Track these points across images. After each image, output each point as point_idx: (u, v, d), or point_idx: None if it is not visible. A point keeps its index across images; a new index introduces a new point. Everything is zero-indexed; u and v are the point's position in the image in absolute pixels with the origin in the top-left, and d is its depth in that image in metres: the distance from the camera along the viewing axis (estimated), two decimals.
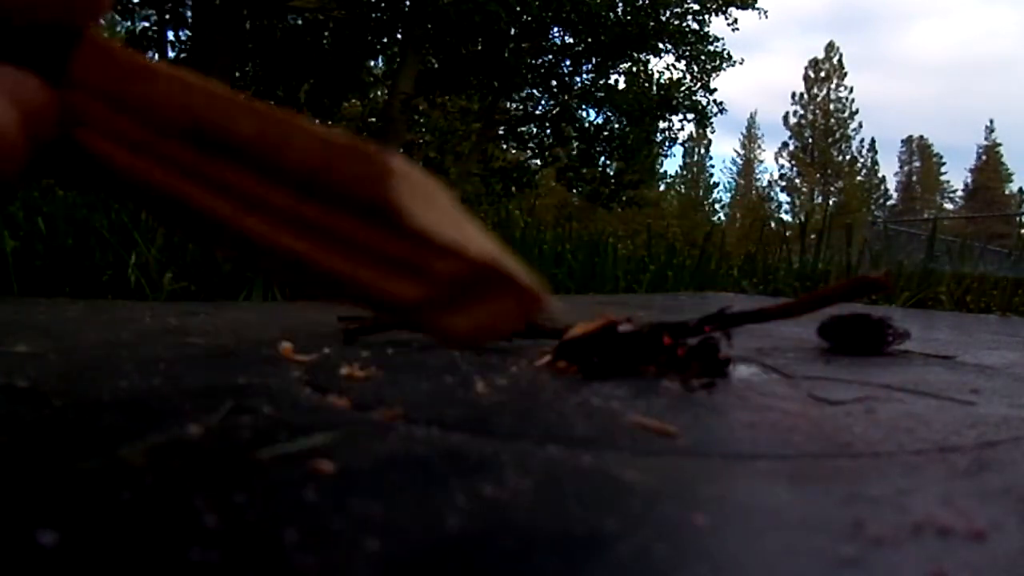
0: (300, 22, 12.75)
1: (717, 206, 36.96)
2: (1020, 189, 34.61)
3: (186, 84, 0.32)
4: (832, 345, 1.00)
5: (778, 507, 0.38)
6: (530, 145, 14.72)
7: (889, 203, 36.00)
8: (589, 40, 13.11)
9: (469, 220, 0.32)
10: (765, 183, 37.22)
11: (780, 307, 0.73)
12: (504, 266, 0.31)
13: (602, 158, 14.41)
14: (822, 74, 35.35)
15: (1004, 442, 0.53)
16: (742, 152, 38.29)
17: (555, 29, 13.20)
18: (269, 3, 11.67)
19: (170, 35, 12.83)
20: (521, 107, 14.56)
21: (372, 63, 14.87)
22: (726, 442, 0.53)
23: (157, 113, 0.32)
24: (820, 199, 34.32)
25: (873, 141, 36.39)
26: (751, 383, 0.71)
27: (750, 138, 38.18)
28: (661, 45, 13.67)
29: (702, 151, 36.39)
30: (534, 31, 12.82)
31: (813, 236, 3.64)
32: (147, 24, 13.13)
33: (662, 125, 14.28)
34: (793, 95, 35.76)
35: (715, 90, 14.27)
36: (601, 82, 13.92)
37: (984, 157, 35.30)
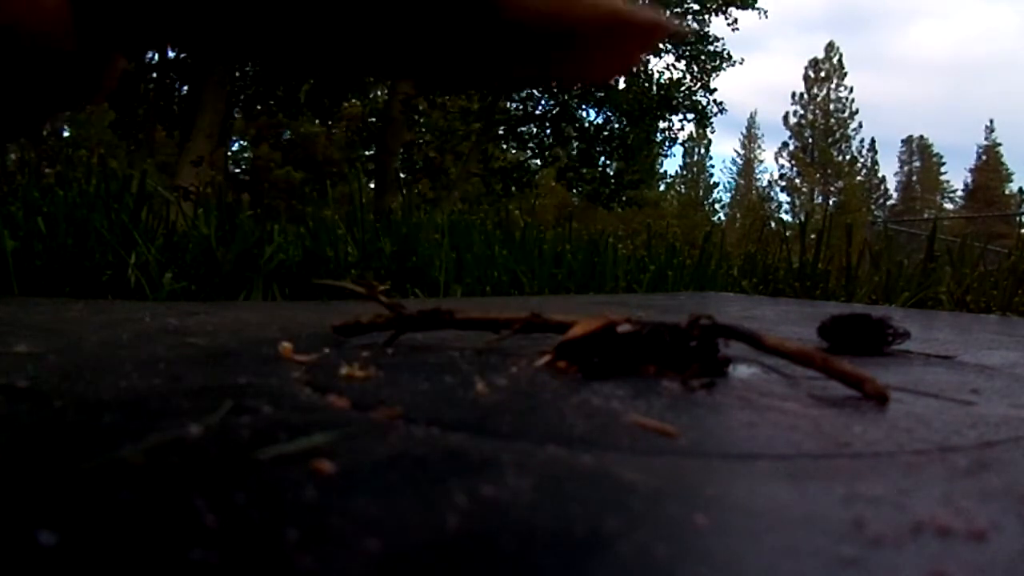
0: None
1: (717, 206, 37.00)
2: (1020, 189, 34.61)
3: None
4: (832, 345, 1.00)
5: (778, 507, 0.38)
6: (530, 145, 14.73)
7: (889, 203, 36.00)
8: None
9: None
10: (765, 183, 37.24)
11: (774, 346, 0.72)
12: None
13: (602, 158, 14.42)
14: (822, 74, 35.36)
15: (1004, 442, 0.53)
16: (742, 152, 38.31)
17: None
18: None
19: None
20: (521, 107, 14.56)
21: None
22: (726, 442, 0.53)
23: None
24: (820, 199, 34.34)
25: (873, 141, 36.42)
26: (751, 383, 0.71)
27: (750, 138, 38.19)
28: (661, 45, 13.67)
29: (702, 151, 36.41)
30: None
31: (813, 236, 3.64)
32: None
33: (662, 125, 14.28)
34: (793, 95, 35.80)
35: (715, 90, 14.30)
36: None
37: (984, 157, 35.30)
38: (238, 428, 0.46)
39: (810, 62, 35.89)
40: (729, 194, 37.73)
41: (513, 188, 13.78)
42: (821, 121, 34.90)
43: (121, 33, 0.35)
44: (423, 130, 15.44)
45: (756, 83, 53.04)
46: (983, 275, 3.29)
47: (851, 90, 35.27)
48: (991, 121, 38.32)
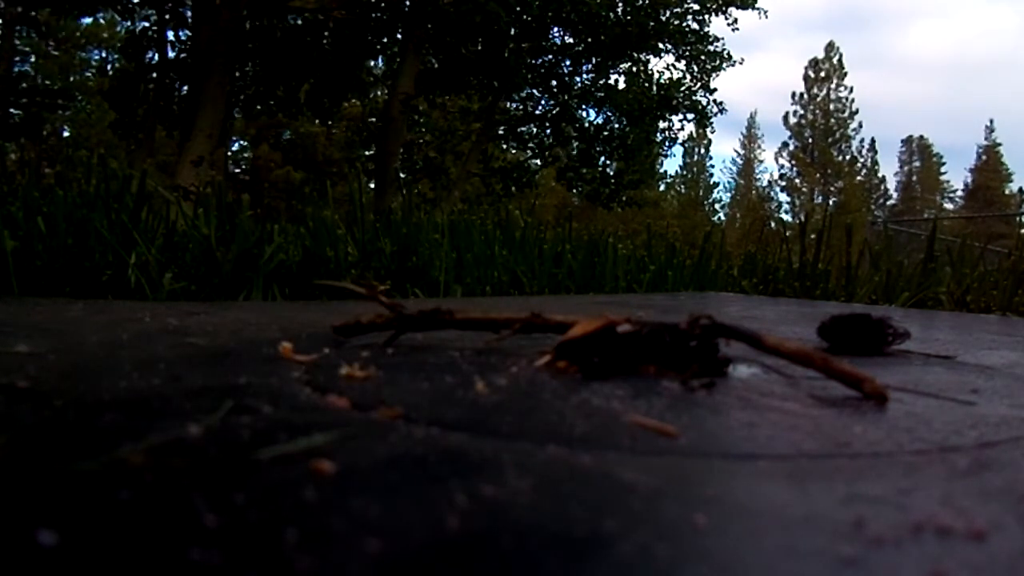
0: (300, 22, 12.76)
1: (717, 206, 37.01)
2: (1020, 189, 34.62)
3: None
4: (832, 345, 1.00)
5: (778, 507, 0.38)
6: (530, 145, 14.73)
7: (889, 203, 36.00)
8: (589, 40, 13.11)
9: None
10: (765, 183, 37.25)
11: (774, 346, 0.72)
12: None
13: (602, 158, 14.42)
14: (822, 74, 35.36)
15: (1004, 442, 0.53)
16: (742, 152, 38.31)
17: (555, 29, 13.21)
18: (269, 3, 11.68)
19: (170, 35, 12.86)
20: (521, 107, 14.57)
21: (372, 63, 14.89)
22: (726, 442, 0.53)
23: None
24: (820, 199, 34.35)
25: (873, 141, 36.42)
26: (751, 383, 0.71)
27: (750, 138, 38.19)
28: (661, 45, 13.67)
29: (702, 151, 36.42)
30: (534, 31, 12.82)
31: (813, 236, 3.64)
32: (147, 24, 13.16)
33: (662, 125, 14.27)
34: (793, 95, 35.79)
35: (715, 90, 14.28)
36: (601, 82, 13.92)
37: (984, 157, 35.29)
38: (238, 428, 0.46)
39: (810, 62, 35.93)
40: (729, 194, 37.80)
41: (513, 188, 13.79)
42: (821, 121, 34.89)
43: None
44: (423, 130, 15.44)
45: (756, 83, 53.12)
46: (983, 275, 3.29)
47: (851, 90, 35.31)
48: (991, 121, 38.35)
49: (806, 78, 35.67)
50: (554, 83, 13.80)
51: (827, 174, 34.64)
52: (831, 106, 35.39)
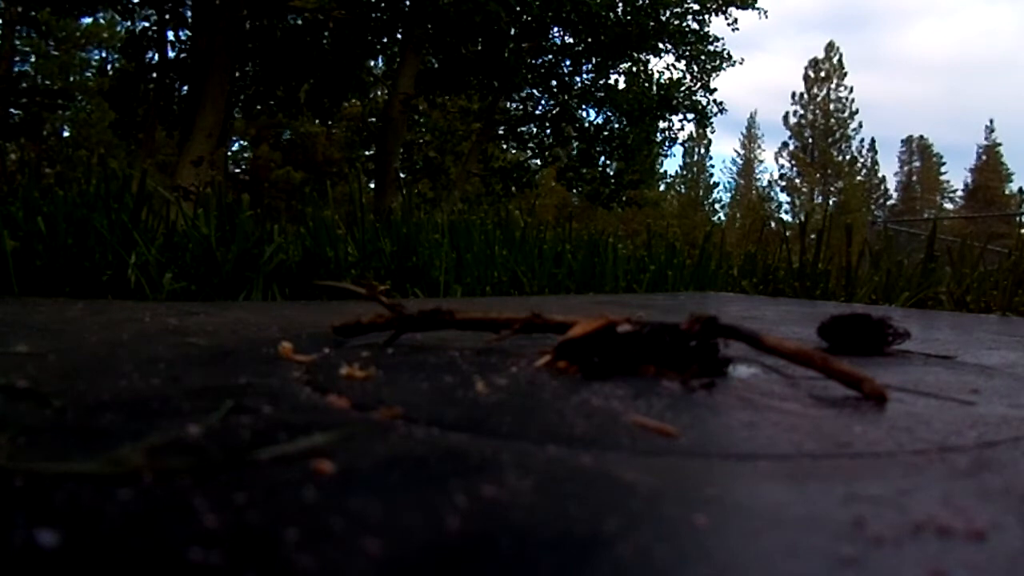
0: (300, 22, 12.76)
1: (717, 206, 37.00)
2: (1020, 189, 34.61)
3: None
4: (832, 345, 1.00)
5: (778, 507, 0.38)
6: (530, 145, 14.74)
7: (889, 203, 35.99)
8: (589, 40, 13.11)
9: None
10: (765, 183, 37.23)
11: (773, 346, 0.73)
12: None
13: (602, 158, 14.43)
14: (822, 74, 35.35)
15: (1004, 442, 0.53)
16: (742, 152, 38.30)
17: (555, 29, 13.21)
18: (269, 3, 11.68)
19: (170, 35, 12.86)
20: (521, 107, 14.57)
21: (372, 63, 14.89)
22: (726, 442, 0.53)
23: None
24: (820, 199, 34.35)
25: (873, 141, 36.41)
26: (751, 383, 0.71)
27: (750, 138, 38.18)
28: (661, 45, 13.67)
29: (702, 151, 36.41)
30: (534, 31, 12.82)
31: (813, 236, 3.63)
32: (147, 24, 13.16)
33: (662, 125, 14.27)
34: (793, 95, 35.77)
35: (715, 90, 14.27)
36: (601, 82, 13.92)
37: (984, 157, 35.28)
38: (238, 428, 0.47)
39: (810, 62, 35.91)
40: (729, 194, 37.80)
41: (513, 188, 13.81)
42: (821, 121, 34.88)
43: None
44: (423, 130, 15.45)
45: (756, 83, 53.13)
46: (983, 275, 3.29)
47: (851, 90, 35.29)
48: (991, 121, 38.33)
49: (806, 78, 35.67)
50: (554, 83, 13.80)
51: (827, 174, 34.63)
52: (831, 106, 35.38)
